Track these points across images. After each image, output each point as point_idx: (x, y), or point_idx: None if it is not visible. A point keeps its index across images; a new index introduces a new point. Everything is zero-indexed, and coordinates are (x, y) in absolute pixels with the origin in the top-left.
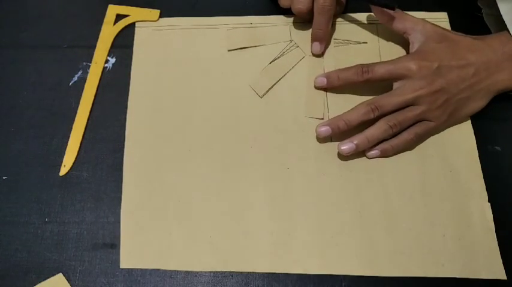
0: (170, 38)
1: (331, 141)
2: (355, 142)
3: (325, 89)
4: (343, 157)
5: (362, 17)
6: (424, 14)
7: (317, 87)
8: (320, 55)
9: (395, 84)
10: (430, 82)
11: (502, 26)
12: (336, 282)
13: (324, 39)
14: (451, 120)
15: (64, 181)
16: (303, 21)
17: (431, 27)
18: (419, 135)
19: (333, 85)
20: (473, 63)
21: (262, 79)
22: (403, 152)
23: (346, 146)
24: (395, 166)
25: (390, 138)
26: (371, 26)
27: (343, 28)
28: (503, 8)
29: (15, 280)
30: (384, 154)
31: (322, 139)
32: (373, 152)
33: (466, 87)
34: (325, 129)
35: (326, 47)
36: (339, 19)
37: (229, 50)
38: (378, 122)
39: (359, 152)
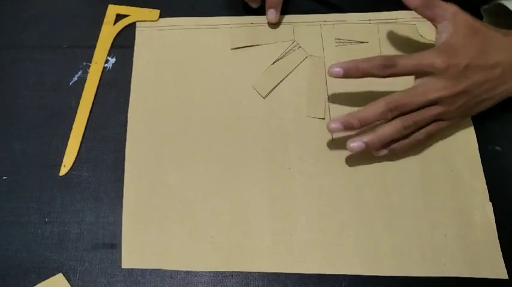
0: (171, 38)
1: (332, 139)
2: (365, 140)
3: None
4: (344, 157)
5: (363, 16)
6: None
7: (332, 76)
8: (276, 24)
9: (418, 81)
10: (454, 84)
11: None
12: (336, 282)
13: (278, 5)
14: (463, 118)
15: (64, 181)
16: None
17: (463, 17)
18: (431, 135)
19: (351, 77)
20: (501, 63)
21: (265, 80)
22: (410, 150)
23: (356, 143)
24: (396, 166)
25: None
26: (372, 26)
27: (345, 28)
28: None
29: (15, 280)
30: (392, 153)
31: (356, 149)
32: (382, 152)
33: (489, 89)
34: (336, 126)
35: (279, 14)
36: (340, 19)
37: (232, 49)
38: (394, 121)
39: (360, 151)
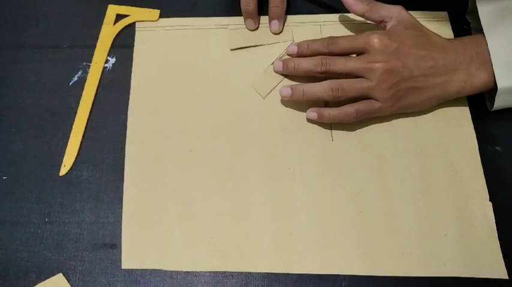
0: (171, 38)
1: (331, 130)
2: (292, 88)
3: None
4: (344, 157)
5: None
6: (424, 13)
7: (288, 54)
8: (279, 34)
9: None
10: (386, 60)
11: None
12: (336, 282)
13: (281, 16)
14: (397, 107)
15: (64, 181)
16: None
17: (407, 15)
18: (361, 112)
19: (303, 53)
20: (433, 57)
21: (265, 80)
22: (341, 123)
23: (284, 89)
24: (396, 165)
25: (332, 103)
26: (371, 26)
27: (344, 28)
28: (482, 10)
29: (15, 280)
30: (321, 119)
31: (283, 95)
32: (309, 114)
33: (420, 76)
34: (278, 65)
35: (283, 25)
36: (340, 19)
37: (231, 50)
38: (323, 81)
39: (361, 152)
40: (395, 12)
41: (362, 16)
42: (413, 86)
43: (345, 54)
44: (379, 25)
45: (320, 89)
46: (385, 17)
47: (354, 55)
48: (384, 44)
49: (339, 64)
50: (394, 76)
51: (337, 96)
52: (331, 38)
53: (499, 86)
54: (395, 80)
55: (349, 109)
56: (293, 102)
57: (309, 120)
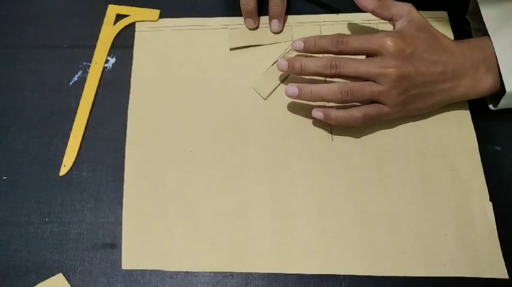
0: (171, 38)
1: (331, 131)
2: (299, 88)
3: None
4: (344, 157)
5: (362, 17)
6: (424, 13)
7: (294, 49)
8: (279, 33)
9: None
10: (399, 65)
11: None
12: (336, 282)
13: (281, 16)
14: (404, 111)
15: (64, 181)
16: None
17: (417, 15)
18: (369, 116)
19: (309, 50)
20: (443, 62)
21: (266, 81)
22: (346, 126)
23: (290, 87)
24: (396, 166)
25: (340, 105)
26: (372, 26)
27: (344, 28)
28: (485, 14)
29: (15, 280)
30: (327, 120)
31: (289, 94)
32: (315, 113)
33: (430, 82)
34: (283, 64)
35: (284, 24)
36: (339, 19)
37: (231, 49)
38: (332, 83)
39: (361, 152)
40: (405, 11)
41: (372, 13)
42: (422, 91)
43: (355, 54)
44: (378, 25)
45: (329, 91)
46: (395, 15)
47: (363, 56)
48: (398, 48)
49: (350, 67)
50: (406, 82)
51: (346, 100)
52: (341, 36)
53: (507, 89)
54: (406, 86)
55: (356, 113)
56: (293, 102)
57: (313, 118)
